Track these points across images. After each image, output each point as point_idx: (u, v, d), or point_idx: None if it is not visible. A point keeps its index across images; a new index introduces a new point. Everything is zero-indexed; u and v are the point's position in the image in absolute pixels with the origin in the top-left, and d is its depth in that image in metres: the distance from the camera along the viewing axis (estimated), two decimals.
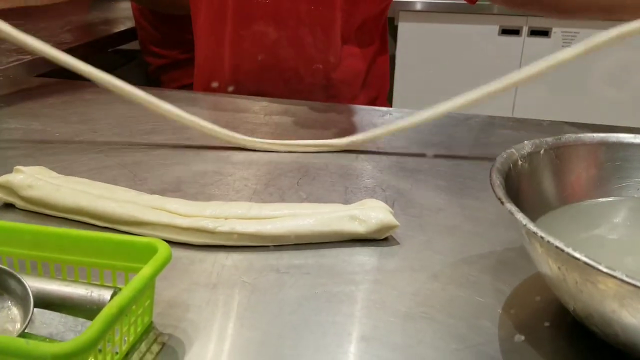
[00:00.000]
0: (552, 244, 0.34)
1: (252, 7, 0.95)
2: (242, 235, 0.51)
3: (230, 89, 1.01)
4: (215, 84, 1.02)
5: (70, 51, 1.04)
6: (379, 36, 1.07)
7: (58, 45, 1.23)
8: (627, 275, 0.30)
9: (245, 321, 0.42)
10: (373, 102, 1.09)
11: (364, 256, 0.51)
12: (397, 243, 0.53)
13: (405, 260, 0.50)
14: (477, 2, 1.00)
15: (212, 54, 1.03)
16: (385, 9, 1.05)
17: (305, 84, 1.01)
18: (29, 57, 1.16)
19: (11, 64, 1.07)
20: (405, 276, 0.48)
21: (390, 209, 0.54)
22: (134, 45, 1.61)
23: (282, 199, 0.61)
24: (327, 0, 0.95)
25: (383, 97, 1.14)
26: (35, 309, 0.38)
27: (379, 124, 0.85)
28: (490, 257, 0.51)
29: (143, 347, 0.39)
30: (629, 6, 0.78)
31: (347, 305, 0.44)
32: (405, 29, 2.22)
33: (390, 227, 0.52)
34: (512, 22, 2.15)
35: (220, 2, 0.98)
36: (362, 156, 0.73)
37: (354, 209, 0.54)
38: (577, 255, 0.32)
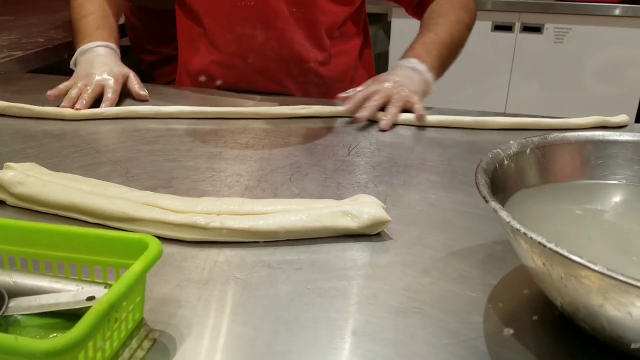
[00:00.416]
0: (535, 239, 0.34)
1: (238, 9, 0.95)
2: (234, 231, 0.51)
3: (219, 82, 1.01)
4: (202, 78, 1.02)
5: (61, 47, 1.04)
6: (362, 31, 1.09)
7: (49, 40, 1.23)
8: (608, 269, 0.31)
9: (237, 317, 0.42)
10: None
11: (356, 251, 0.51)
12: (390, 238, 0.53)
13: (397, 256, 0.50)
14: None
15: (195, 55, 1.04)
16: (363, 3, 1.06)
17: (298, 83, 1.01)
18: (20, 53, 1.16)
19: (3, 60, 1.06)
20: (397, 271, 0.48)
21: (383, 205, 0.54)
22: (125, 41, 1.60)
23: (274, 195, 0.61)
24: (308, 2, 0.96)
25: None
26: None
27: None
28: (480, 251, 0.51)
29: (134, 343, 0.39)
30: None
31: (340, 301, 0.44)
32: (399, 25, 2.21)
33: (383, 223, 0.52)
34: (504, 18, 2.15)
35: (206, 6, 0.98)
36: (354, 152, 0.73)
37: (347, 204, 0.54)
38: (559, 250, 0.33)
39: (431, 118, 0.82)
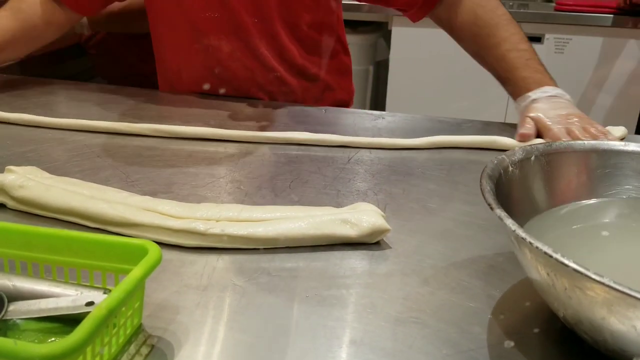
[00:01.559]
0: (541, 249, 0.34)
1: (203, 20, 0.96)
2: (233, 237, 0.51)
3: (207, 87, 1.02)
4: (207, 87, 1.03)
5: (58, 51, 1.04)
6: (336, 40, 1.08)
7: (50, 44, 1.23)
8: (614, 282, 0.31)
9: (235, 324, 0.42)
10: (344, 106, 1.10)
11: (355, 260, 0.51)
12: (389, 247, 0.53)
13: (396, 265, 0.50)
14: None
15: (170, 66, 1.05)
16: (334, 19, 1.05)
17: (264, 92, 1.02)
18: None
19: (5, 64, 1.06)
20: (396, 280, 0.48)
21: (382, 213, 0.54)
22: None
23: (274, 202, 0.61)
24: (265, 14, 0.96)
25: (351, 101, 1.15)
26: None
27: (371, 127, 0.85)
28: (480, 261, 0.51)
29: (132, 349, 0.39)
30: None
31: (338, 309, 0.44)
32: (399, 34, 2.22)
33: (382, 231, 0.52)
34: None
35: (172, 17, 0.99)
36: (354, 160, 0.73)
37: (346, 212, 0.54)
38: (565, 261, 0.33)
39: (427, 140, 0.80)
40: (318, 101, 1.07)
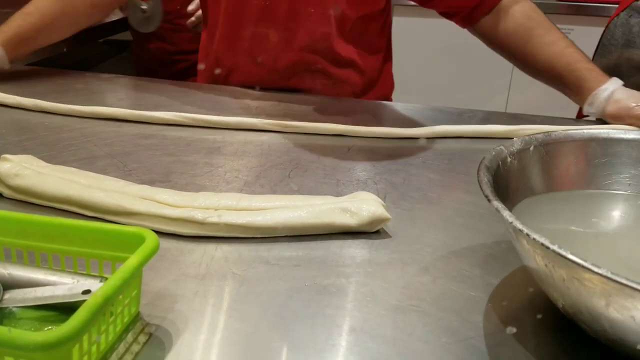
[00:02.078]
0: (538, 241, 0.33)
1: (253, 8, 0.94)
2: (232, 226, 0.50)
3: (217, 71, 1.01)
4: (218, 70, 1.02)
5: (61, 41, 1.03)
6: (384, 40, 1.06)
7: None
8: (612, 272, 0.30)
9: (234, 312, 0.42)
10: (385, 99, 1.09)
11: (355, 249, 0.50)
12: (389, 236, 0.52)
13: (396, 253, 0.50)
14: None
15: (212, 52, 1.03)
16: (383, 13, 1.04)
17: (305, 83, 1.00)
18: None
19: (46, 45, 1.05)
20: (396, 269, 0.47)
21: (382, 202, 0.54)
22: (125, 35, 1.59)
23: (273, 191, 0.60)
24: (321, 3, 0.94)
25: (391, 94, 1.14)
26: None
27: (372, 117, 0.84)
28: (481, 250, 0.50)
29: (130, 337, 0.38)
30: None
31: (338, 298, 0.44)
32: (399, 23, 2.21)
33: (382, 220, 0.52)
34: None
35: (218, 3, 0.98)
36: (354, 149, 0.72)
37: (346, 201, 0.53)
38: (562, 252, 0.32)
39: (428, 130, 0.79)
40: (359, 95, 1.05)
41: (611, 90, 0.81)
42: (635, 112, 0.78)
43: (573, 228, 0.46)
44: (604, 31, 1.11)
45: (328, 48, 0.97)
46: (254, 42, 0.97)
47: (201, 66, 1.08)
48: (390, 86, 1.13)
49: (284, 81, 0.99)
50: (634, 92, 0.81)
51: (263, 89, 0.97)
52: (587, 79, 0.84)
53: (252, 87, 0.97)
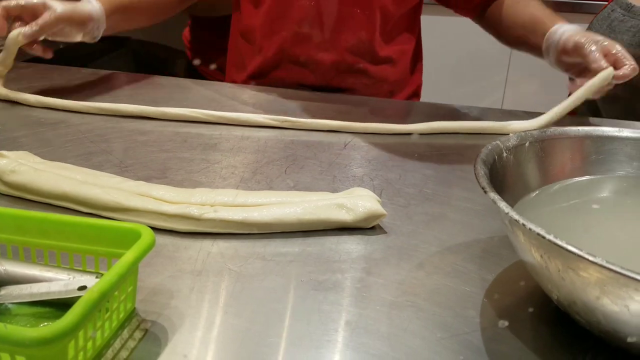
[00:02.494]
0: (534, 231, 0.34)
1: (297, 8, 0.94)
2: (228, 222, 0.51)
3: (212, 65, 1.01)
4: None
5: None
6: (414, 35, 1.07)
7: None
8: (607, 262, 0.30)
9: (230, 308, 0.42)
10: (414, 98, 1.09)
11: (350, 245, 0.50)
12: (384, 232, 0.52)
13: (391, 249, 0.50)
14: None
15: (246, 50, 1.04)
16: (419, 8, 1.04)
17: (347, 83, 1.00)
18: None
19: (125, 30, 1.04)
20: (392, 265, 0.48)
21: (378, 198, 0.54)
22: (123, 32, 1.58)
23: (269, 187, 0.60)
24: (364, 3, 0.95)
25: (418, 96, 1.14)
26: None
27: (367, 113, 0.84)
28: (475, 246, 0.51)
29: (125, 333, 0.38)
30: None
31: (333, 294, 0.44)
32: None
33: (378, 216, 0.52)
34: None
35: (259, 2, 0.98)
36: (350, 145, 0.72)
37: (342, 197, 0.53)
38: (558, 242, 0.32)
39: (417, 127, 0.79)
40: (392, 95, 1.05)
41: (564, 30, 0.83)
42: (584, 49, 0.79)
43: (570, 218, 0.46)
44: (588, 27, 1.13)
45: (370, 48, 0.98)
46: (296, 43, 0.97)
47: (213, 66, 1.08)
48: (420, 82, 1.14)
49: (327, 81, 0.99)
50: (587, 32, 0.83)
51: (302, 87, 0.97)
52: (544, 22, 0.87)
53: (294, 87, 0.97)
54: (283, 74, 1.00)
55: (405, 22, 1.02)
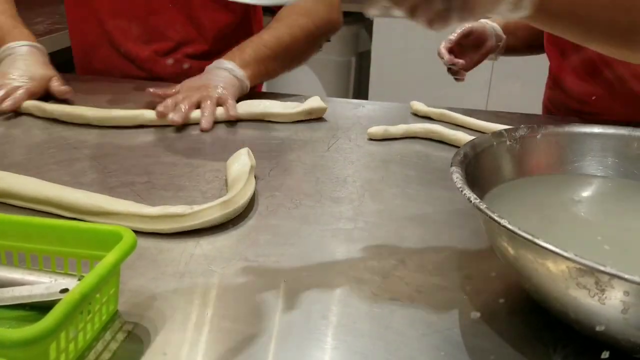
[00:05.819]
0: (505, 226, 0.35)
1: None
2: (211, 209, 0.51)
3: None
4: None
5: (44, 43, 1.02)
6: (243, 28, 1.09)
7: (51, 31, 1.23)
8: (575, 254, 0.32)
9: (213, 309, 0.42)
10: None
11: (333, 243, 0.51)
12: (367, 231, 0.53)
13: (374, 248, 0.50)
14: None
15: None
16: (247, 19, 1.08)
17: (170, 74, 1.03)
18: None
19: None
20: (374, 263, 0.48)
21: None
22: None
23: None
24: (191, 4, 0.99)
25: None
26: None
27: (351, 116, 0.85)
28: (457, 244, 0.51)
29: (108, 335, 0.39)
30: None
31: (316, 293, 0.44)
32: (381, 24, 2.22)
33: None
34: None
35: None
36: (333, 148, 0.73)
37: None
38: (528, 236, 0.34)
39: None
40: None
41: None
42: None
43: (544, 211, 0.47)
44: None
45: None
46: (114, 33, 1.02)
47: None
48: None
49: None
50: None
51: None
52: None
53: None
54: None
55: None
